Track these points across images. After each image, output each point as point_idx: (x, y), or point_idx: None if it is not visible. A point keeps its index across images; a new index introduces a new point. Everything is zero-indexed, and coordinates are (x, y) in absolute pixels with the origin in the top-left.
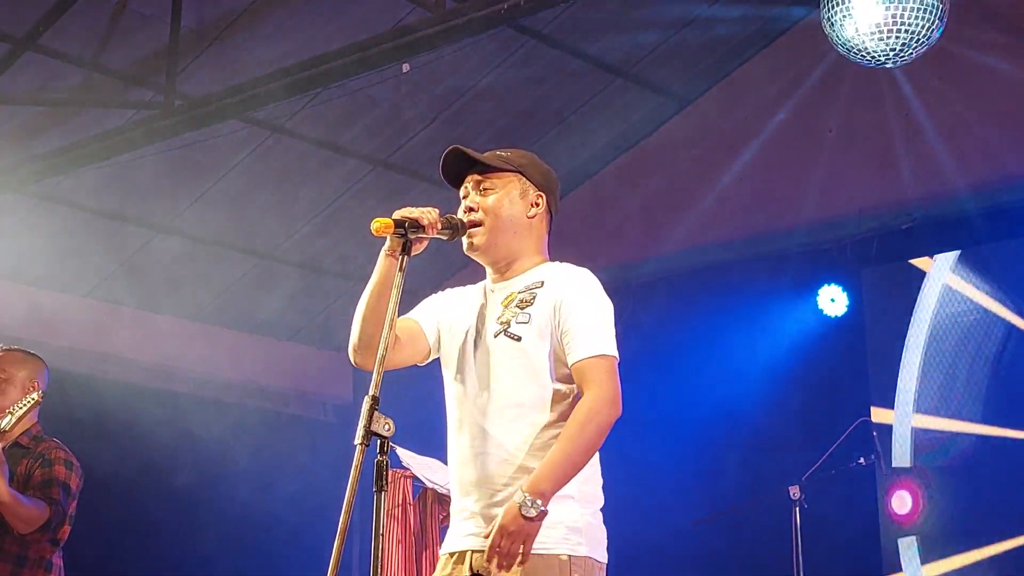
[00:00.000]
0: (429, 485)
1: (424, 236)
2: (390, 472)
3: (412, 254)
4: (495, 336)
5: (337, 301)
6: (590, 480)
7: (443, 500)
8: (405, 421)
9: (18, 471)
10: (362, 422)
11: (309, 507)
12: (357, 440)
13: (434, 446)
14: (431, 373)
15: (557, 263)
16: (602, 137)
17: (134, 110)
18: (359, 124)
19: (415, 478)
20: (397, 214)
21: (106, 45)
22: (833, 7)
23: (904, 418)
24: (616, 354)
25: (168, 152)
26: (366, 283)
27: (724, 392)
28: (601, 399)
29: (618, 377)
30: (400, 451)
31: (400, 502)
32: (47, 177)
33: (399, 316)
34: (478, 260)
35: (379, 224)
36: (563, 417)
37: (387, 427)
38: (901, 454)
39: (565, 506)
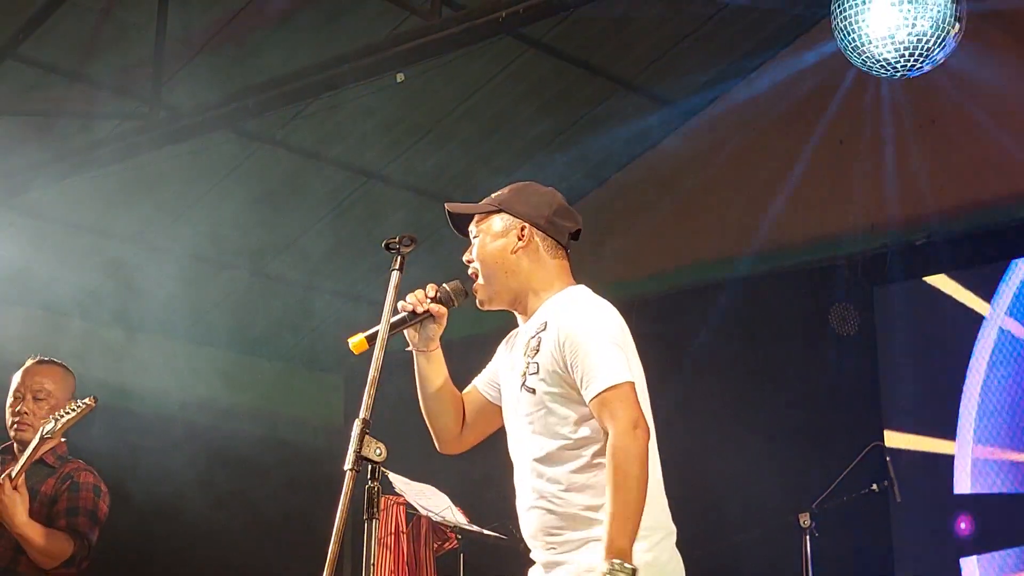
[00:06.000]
0: (423, 512)
1: (418, 320)
2: (382, 499)
3: (437, 327)
4: (520, 389)
5: (328, 320)
6: (647, 509)
7: (437, 528)
8: (399, 446)
9: (42, 490)
10: (352, 447)
11: (298, 535)
12: (347, 465)
13: (428, 472)
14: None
15: (562, 294)
16: (604, 149)
17: (118, 121)
18: (352, 136)
19: (408, 505)
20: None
21: (90, 54)
22: (845, 15)
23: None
24: (628, 377)
25: (154, 165)
26: (358, 300)
27: (731, 414)
28: (621, 432)
29: (635, 399)
30: (393, 477)
31: (392, 530)
32: (28, 191)
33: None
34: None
35: (354, 345)
36: (597, 455)
37: (379, 452)
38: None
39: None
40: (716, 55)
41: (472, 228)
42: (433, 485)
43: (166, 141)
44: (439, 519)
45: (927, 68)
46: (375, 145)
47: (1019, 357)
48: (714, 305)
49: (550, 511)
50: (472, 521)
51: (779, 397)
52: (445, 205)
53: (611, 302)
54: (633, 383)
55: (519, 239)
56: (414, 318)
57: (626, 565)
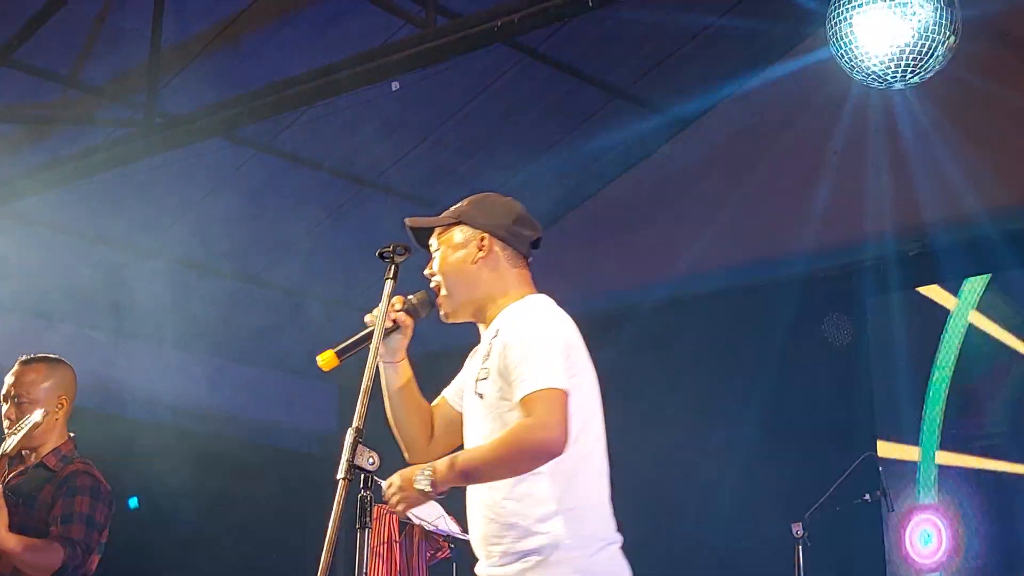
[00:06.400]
0: (416, 522)
1: (386, 332)
2: (375, 508)
3: (403, 339)
4: (472, 395)
5: (323, 327)
6: (583, 519)
7: (430, 537)
8: (393, 455)
9: (41, 497)
10: (345, 455)
11: (292, 543)
12: (340, 474)
13: None
14: None
15: (520, 302)
16: (598, 158)
17: (113, 127)
18: (347, 144)
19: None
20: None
21: (85, 61)
22: (839, 27)
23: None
24: (561, 385)
25: (148, 171)
26: (352, 308)
27: (724, 423)
28: (532, 424)
29: (559, 406)
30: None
31: (385, 539)
32: (22, 197)
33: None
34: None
35: (323, 361)
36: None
37: (371, 461)
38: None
39: (550, 555)
40: (711, 65)
41: (433, 241)
42: None
43: (160, 147)
44: (432, 528)
45: (919, 80)
46: (370, 152)
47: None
48: (708, 314)
49: (491, 519)
50: (465, 531)
51: (773, 407)
52: (405, 221)
53: (605, 311)
54: (564, 392)
55: (479, 249)
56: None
57: (429, 478)
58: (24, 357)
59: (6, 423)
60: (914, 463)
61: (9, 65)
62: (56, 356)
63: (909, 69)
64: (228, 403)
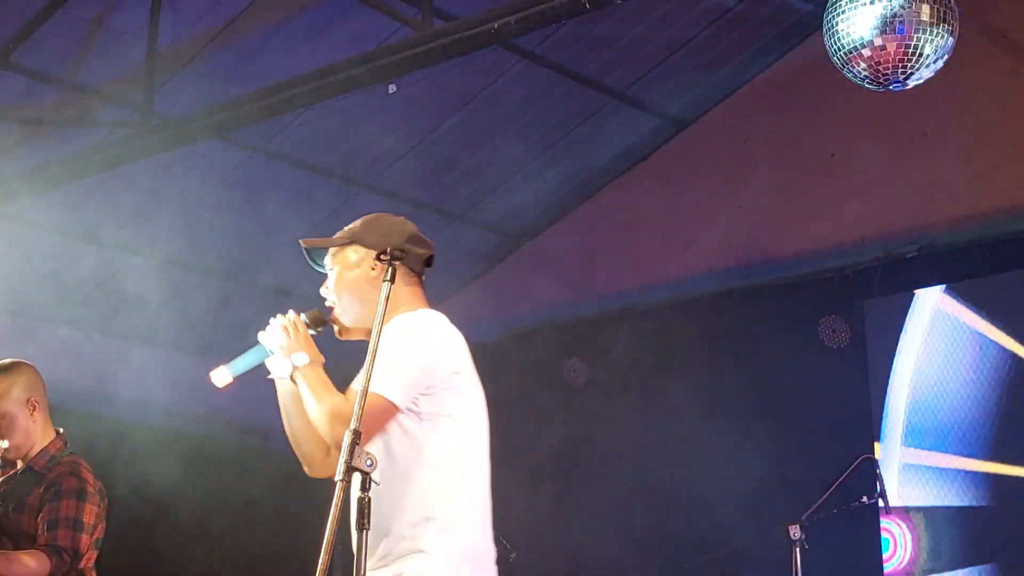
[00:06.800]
0: None
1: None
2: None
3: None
4: None
5: (320, 331)
6: (454, 532)
7: None
8: None
9: (29, 502)
10: (343, 457)
11: (288, 546)
12: (338, 476)
13: None
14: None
15: (405, 315)
16: (595, 160)
17: (109, 129)
18: (343, 146)
19: None
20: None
21: (81, 62)
22: (834, 28)
23: (892, 452)
24: (391, 396)
25: (143, 173)
26: None
27: (720, 425)
28: (344, 413)
29: (378, 417)
30: None
31: None
32: (17, 198)
33: None
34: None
35: (217, 378)
36: (405, 470)
37: (369, 462)
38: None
39: (415, 562)
40: (709, 66)
41: (327, 261)
42: None
43: (157, 149)
44: None
45: (913, 83)
46: (366, 155)
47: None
48: (705, 316)
49: (373, 524)
50: None
51: (770, 409)
52: (300, 242)
53: (604, 313)
54: (389, 405)
55: (372, 269)
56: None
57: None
58: None
59: None
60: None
61: (5, 67)
62: (10, 360)
63: (903, 71)
64: (224, 405)
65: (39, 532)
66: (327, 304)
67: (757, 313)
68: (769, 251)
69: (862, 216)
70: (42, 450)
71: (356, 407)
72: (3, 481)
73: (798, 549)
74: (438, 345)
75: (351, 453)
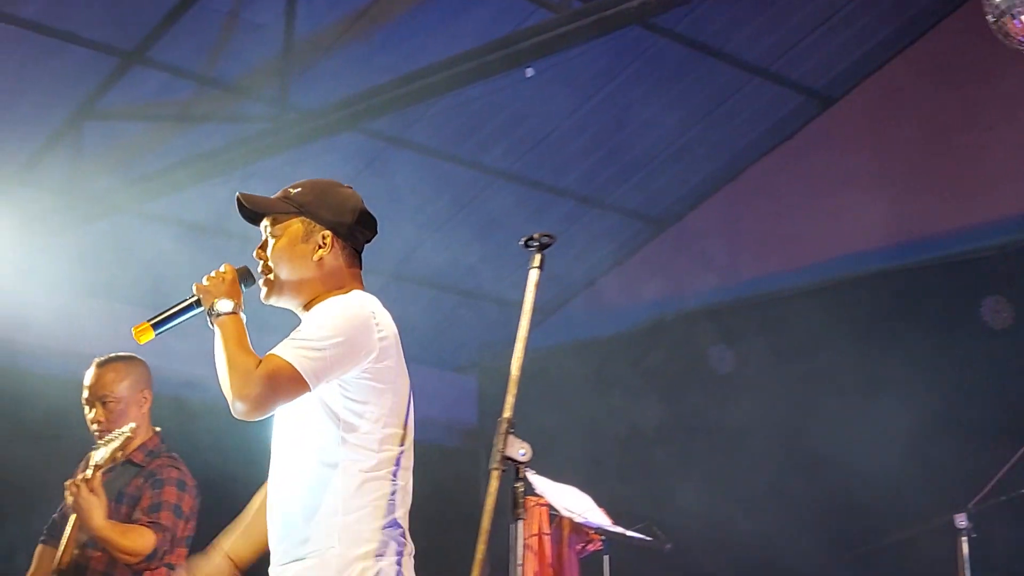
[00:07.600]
0: (565, 514)
1: (203, 308)
2: (524, 500)
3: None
4: None
5: (451, 320)
6: (360, 531)
7: (580, 529)
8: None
9: (128, 491)
10: (497, 446)
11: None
12: (492, 465)
13: (563, 473)
14: (547, 392)
15: (335, 298)
16: (740, 139)
17: (246, 123)
18: (480, 133)
19: (550, 506)
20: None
21: (217, 57)
22: None
23: None
24: (297, 365)
25: (280, 166)
26: (482, 300)
27: (880, 410)
28: (254, 374)
29: (275, 381)
30: (533, 477)
31: (535, 531)
32: (156, 197)
33: None
34: None
35: (138, 333)
36: (324, 456)
37: (523, 452)
38: None
39: (322, 559)
40: (855, 39)
41: (266, 223)
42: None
43: (293, 142)
44: (582, 520)
45: None
46: (501, 143)
47: None
48: (861, 299)
49: (277, 519)
50: (615, 522)
51: (930, 393)
52: (237, 195)
53: (751, 298)
54: (294, 374)
55: (320, 247)
56: (199, 305)
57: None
58: (99, 359)
59: (94, 426)
60: None
61: (144, 64)
62: (129, 353)
63: None
64: None
65: (138, 517)
66: (260, 268)
67: (916, 294)
68: (925, 230)
69: (1022, 191)
70: (142, 444)
71: (508, 396)
72: (104, 473)
73: (965, 539)
74: (362, 330)
75: (504, 441)
